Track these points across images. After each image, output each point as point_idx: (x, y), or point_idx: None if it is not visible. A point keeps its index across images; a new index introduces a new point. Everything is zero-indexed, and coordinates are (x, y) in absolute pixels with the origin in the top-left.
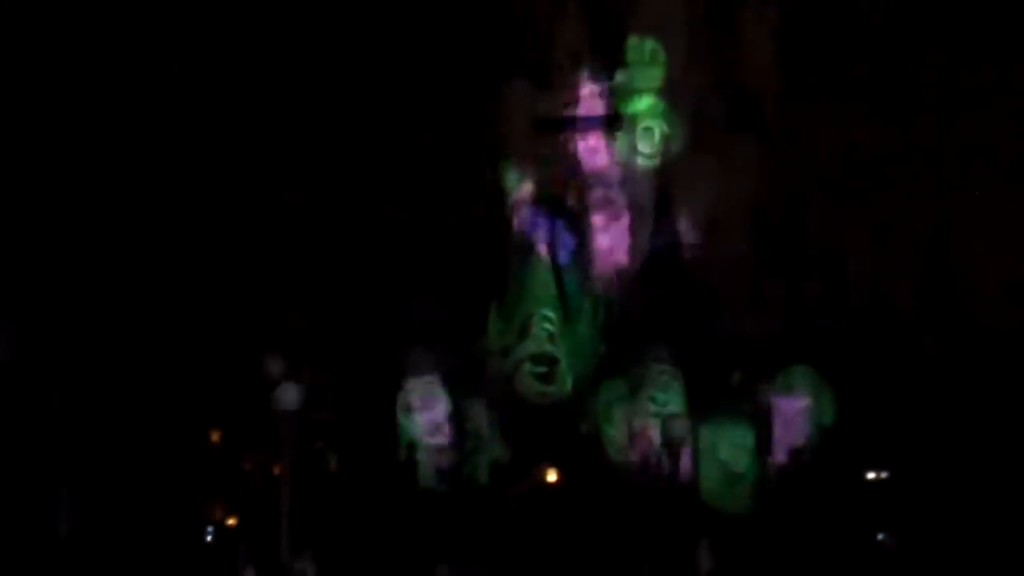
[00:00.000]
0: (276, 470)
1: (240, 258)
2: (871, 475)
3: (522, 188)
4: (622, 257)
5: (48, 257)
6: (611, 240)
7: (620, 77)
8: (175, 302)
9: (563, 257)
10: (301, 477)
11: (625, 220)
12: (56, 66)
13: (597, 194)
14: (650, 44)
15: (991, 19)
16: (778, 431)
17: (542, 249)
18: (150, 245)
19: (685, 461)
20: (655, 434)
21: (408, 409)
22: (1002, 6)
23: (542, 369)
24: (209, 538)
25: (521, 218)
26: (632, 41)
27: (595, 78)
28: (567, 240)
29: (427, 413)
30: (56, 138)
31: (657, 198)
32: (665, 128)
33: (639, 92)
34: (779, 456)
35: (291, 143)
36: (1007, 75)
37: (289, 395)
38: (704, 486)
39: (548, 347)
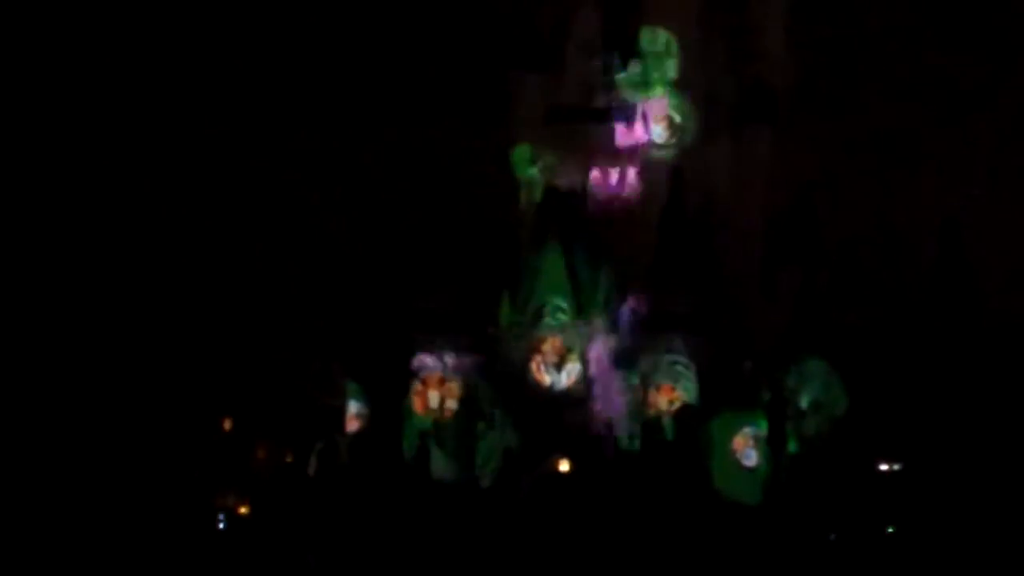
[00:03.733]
0: (288, 458)
1: (249, 247)
2: (884, 467)
3: (534, 177)
4: (635, 247)
5: (63, 249)
6: (624, 230)
7: (633, 68)
8: (187, 291)
9: (576, 247)
10: (312, 465)
11: (638, 211)
12: (61, 67)
13: (610, 184)
14: (663, 35)
15: (1004, 10)
16: None
17: (555, 238)
18: (159, 235)
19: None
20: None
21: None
22: None
23: None
24: (221, 526)
25: (534, 208)
26: (646, 32)
27: (608, 68)
28: (580, 230)
29: None
30: (64, 139)
31: (670, 189)
32: (678, 119)
33: (653, 83)
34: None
35: (299, 133)
36: (1019, 66)
37: None
38: (715, 478)
39: None
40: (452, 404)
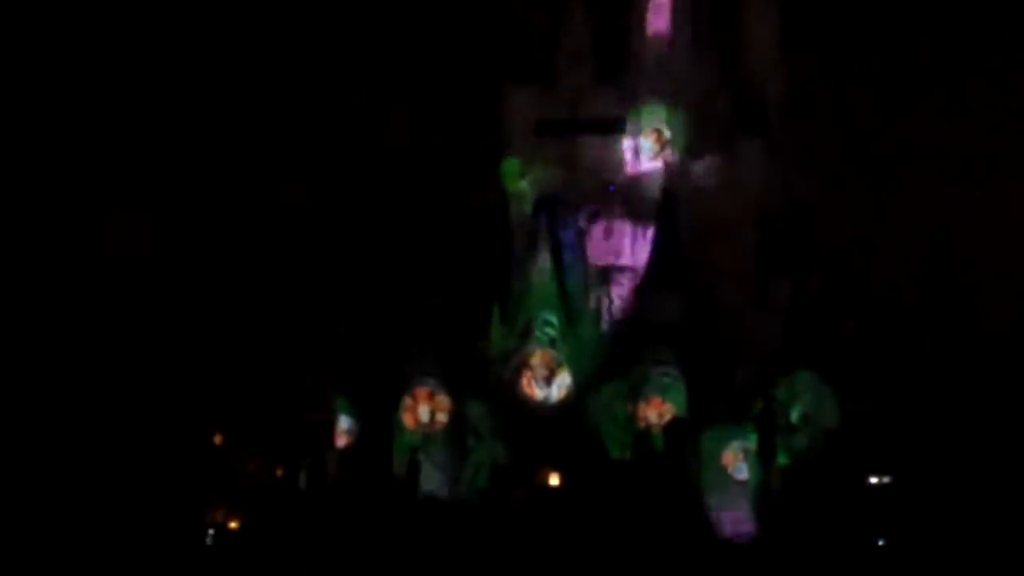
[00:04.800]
0: (279, 473)
1: (243, 262)
2: (874, 479)
3: (524, 190)
4: (626, 259)
5: (59, 261)
6: (615, 242)
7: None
8: (180, 308)
9: (566, 260)
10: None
11: (629, 222)
12: (60, 68)
13: (601, 196)
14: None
15: (993, 19)
16: None
17: (544, 252)
18: (151, 250)
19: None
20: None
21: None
22: (1003, 7)
23: None
24: (209, 540)
25: (524, 221)
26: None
27: (599, 80)
28: (570, 243)
29: None
30: (68, 144)
31: (662, 200)
32: (670, 130)
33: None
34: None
35: (297, 145)
36: (1010, 76)
37: None
38: (706, 490)
39: None
40: (442, 418)
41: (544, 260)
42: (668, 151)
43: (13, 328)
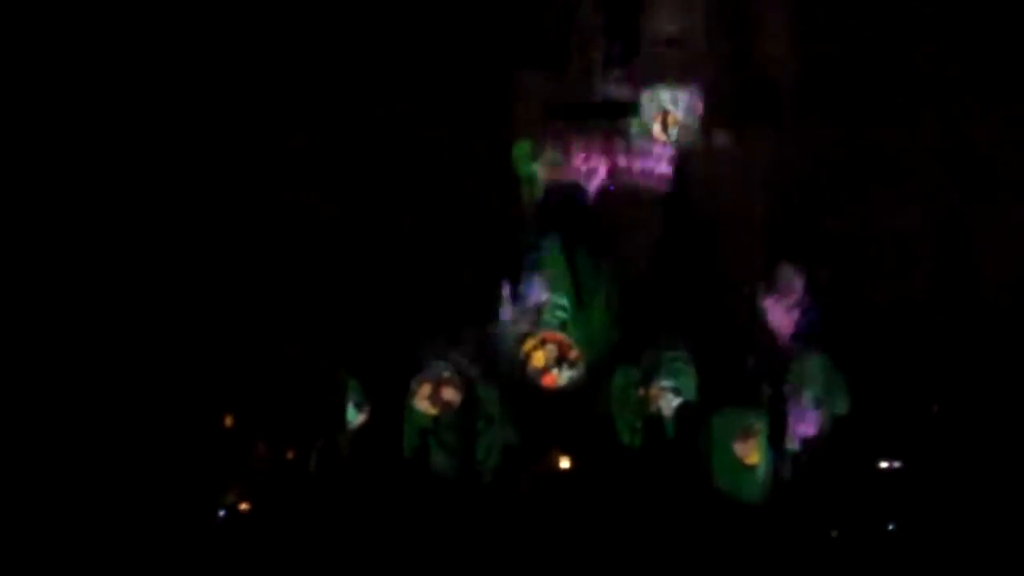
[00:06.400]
0: (289, 455)
1: (253, 244)
2: (884, 464)
3: (536, 174)
4: (637, 244)
5: (64, 249)
6: (625, 227)
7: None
8: (190, 289)
9: (577, 243)
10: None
11: (640, 207)
12: (60, 68)
13: (612, 181)
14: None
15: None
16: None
17: (556, 235)
18: (165, 233)
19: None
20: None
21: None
22: None
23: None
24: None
25: (535, 204)
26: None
27: (610, 64)
28: (581, 226)
29: None
30: (63, 140)
31: (672, 184)
32: (680, 116)
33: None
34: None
35: (299, 131)
36: (1017, 67)
37: None
38: (716, 476)
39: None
40: (453, 401)
41: (555, 243)
42: (678, 133)
43: (23, 313)
